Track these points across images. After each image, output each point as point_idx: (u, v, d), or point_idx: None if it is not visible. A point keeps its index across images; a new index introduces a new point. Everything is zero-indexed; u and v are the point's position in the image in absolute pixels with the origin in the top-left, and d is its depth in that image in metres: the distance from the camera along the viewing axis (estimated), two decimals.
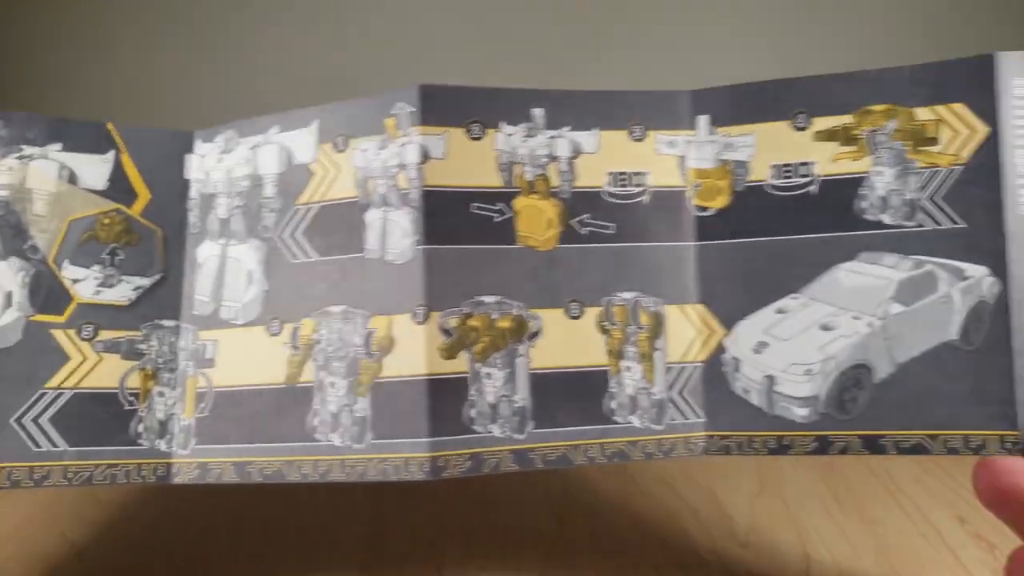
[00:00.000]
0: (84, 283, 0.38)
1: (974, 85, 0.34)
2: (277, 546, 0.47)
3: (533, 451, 0.36)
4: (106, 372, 0.37)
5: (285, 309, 0.38)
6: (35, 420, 0.36)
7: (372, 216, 0.37)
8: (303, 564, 0.45)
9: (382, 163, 0.37)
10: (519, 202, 0.37)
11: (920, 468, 0.54)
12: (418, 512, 0.50)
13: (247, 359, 0.38)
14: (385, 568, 0.44)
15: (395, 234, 0.36)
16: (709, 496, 0.51)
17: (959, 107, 0.35)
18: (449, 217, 0.36)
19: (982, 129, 0.34)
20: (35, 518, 0.51)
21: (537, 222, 0.37)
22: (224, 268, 0.39)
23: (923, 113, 0.35)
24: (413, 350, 0.35)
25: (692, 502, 0.51)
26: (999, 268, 0.34)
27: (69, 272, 0.38)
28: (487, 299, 0.36)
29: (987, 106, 0.34)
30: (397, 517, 0.50)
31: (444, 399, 0.35)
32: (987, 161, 0.34)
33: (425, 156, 0.36)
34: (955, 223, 0.34)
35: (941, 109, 0.35)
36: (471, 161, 0.37)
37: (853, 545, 0.45)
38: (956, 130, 0.35)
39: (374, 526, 0.49)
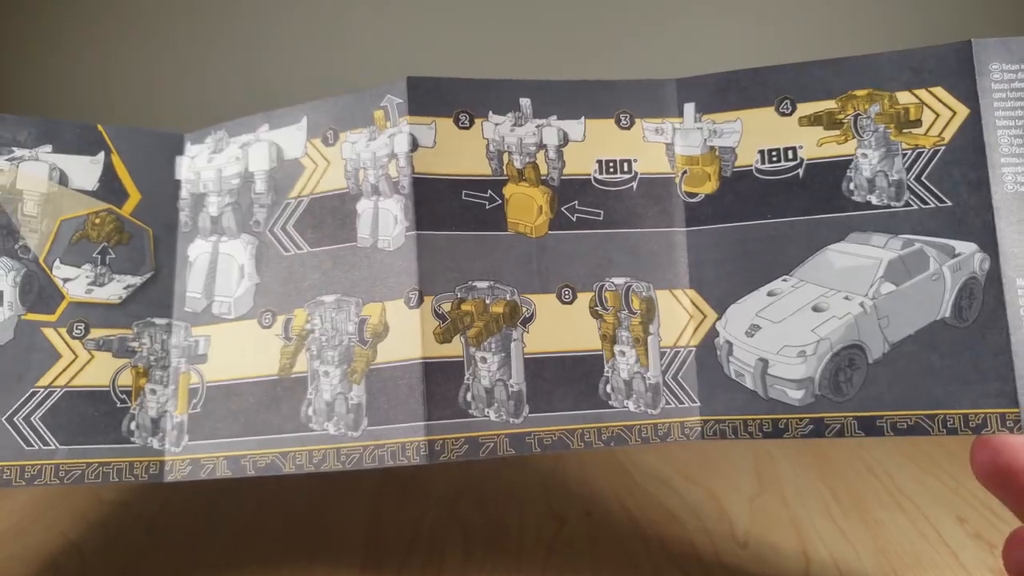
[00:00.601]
0: (75, 282, 0.38)
1: (953, 70, 0.35)
2: (278, 546, 0.47)
3: (529, 435, 0.36)
4: (97, 370, 0.38)
5: (277, 301, 0.38)
6: (26, 419, 0.36)
7: (363, 206, 0.37)
8: (303, 563, 0.45)
9: (372, 154, 0.37)
10: (509, 189, 0.37)
11: (920, 468, 0.54)
12: (418, 512, 0.50)
13: (240, 353, 0.38)
14: (385, 568, 0.44)
15: (386, 222, 0.37)
16: (709, 496, 0.51)
17: (939, 91, 0.35)
18: (440, 204, 0.36)
19: (963, 111, 0.35)
20: (36, 517, 0.51)
21: (527, 209, 0.37)
22: (216, 264, 0.39)
23: (904, 97, 0.36)
24: (407, 334, 0.35)
25: (692, 502, 0.51)
26: (988, 244, 0.34)
27: (60, 271, 0.38)
28: (479, 284, 0.36)
29: (967, 89, 0.35)
30: (397, 517, 0.50)
31: (439, 383, 0.35)
32: (970, 141, 0.35)
33: (415, 145, 0.36)
34: (942, 202, 0.35)
35: (922, 93, 0.36)
36: (460, 150, 0.37)
37: (853, 545, 0.45)
38: (937, 112, 0.35)
39: (374, 526, 0.49)
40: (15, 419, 0.36)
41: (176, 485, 0.51)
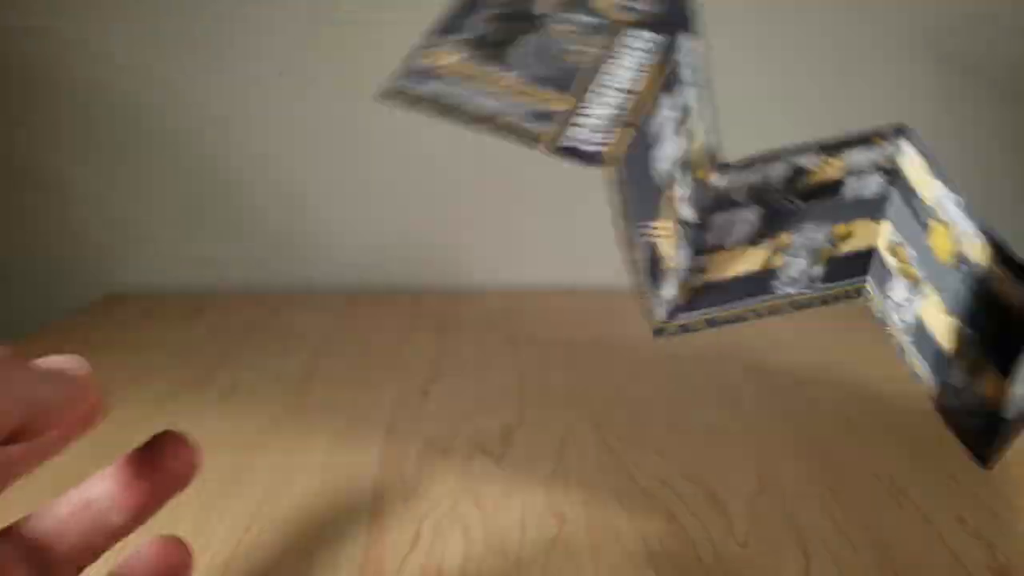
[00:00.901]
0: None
1: None
2: (278, 544, 0.47)
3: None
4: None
5: (766, 232, 0.45)
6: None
7: None
8: (303, 563, 0.45)
9: None
10: None
11: (920, 468, 0.54)
12: (418, 512, 0.50)
13: (736, 264, 0.45)
14: (385, 568, 0.44)
15: None
16: (709, 496, 0.51)
17: None
18: None
19: None
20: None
21: None
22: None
23: None
24: (866, 236, 0.43)
25: (692, 502, 0.51)
26: None
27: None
28: None
29: None
30: (397, 517, 0.49)
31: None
32: None
33: None
34: None
35: None
36: None
37: (853, 545, 0.45)
38: None
39: (374, 526, 0.48)
40: None
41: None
